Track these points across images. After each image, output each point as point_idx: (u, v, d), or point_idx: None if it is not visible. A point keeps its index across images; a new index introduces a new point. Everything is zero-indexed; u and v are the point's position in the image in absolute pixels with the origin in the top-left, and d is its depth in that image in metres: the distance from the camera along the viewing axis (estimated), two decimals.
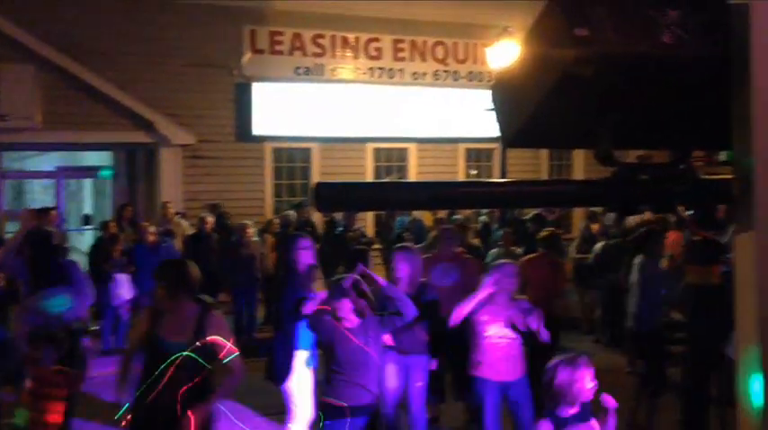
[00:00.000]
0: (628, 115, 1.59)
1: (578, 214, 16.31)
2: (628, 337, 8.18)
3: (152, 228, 10.34)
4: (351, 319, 4.98)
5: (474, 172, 17.48)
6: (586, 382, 3.87)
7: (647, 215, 11.58)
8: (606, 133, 1.54)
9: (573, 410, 3.88)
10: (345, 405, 4.89)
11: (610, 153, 1.57)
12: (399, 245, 7.27)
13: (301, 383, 5.89)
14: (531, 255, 8.24)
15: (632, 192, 1.59)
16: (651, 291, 7.41)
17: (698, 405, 6.32)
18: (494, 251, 10.04)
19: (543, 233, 8.50)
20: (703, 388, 6.49)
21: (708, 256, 6.14)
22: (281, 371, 5.84)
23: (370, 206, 2.42)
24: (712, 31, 1.46)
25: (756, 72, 1.37)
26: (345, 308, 4.96)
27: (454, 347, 6.62)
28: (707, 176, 1.73)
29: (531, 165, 17.35)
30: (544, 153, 17.53)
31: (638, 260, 7.58)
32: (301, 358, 5.86)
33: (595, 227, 11.58)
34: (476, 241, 11.39)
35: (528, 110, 1.57)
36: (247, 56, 14.98)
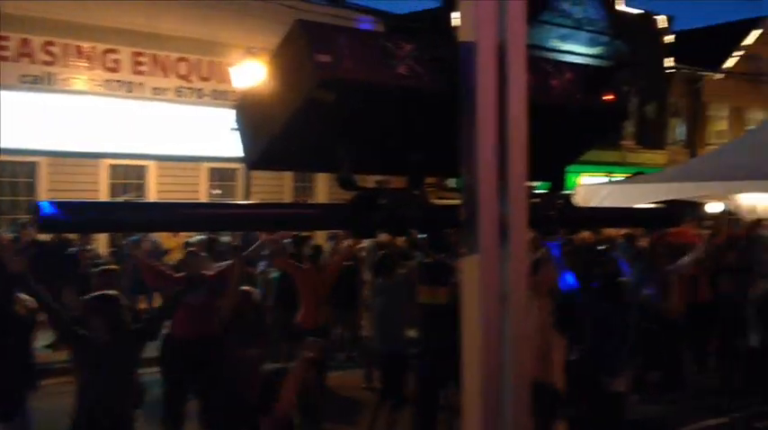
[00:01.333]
0: (367, 141, 1.64)
1: (320, 234, 16.67)
2: (367, 354, 8.52)
3: None
4: None
5: (217, 192, 17.24)
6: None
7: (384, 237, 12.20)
8: (347, 158, 1.58)
9: None
10: None
11: (350, 177, 1.61)
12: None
13: None
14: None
15: (371, 217, 1.64)
16: (389, 311, 7.77)
17: (428, 416, 6.72)
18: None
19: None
20: (433, 400, 6.91)
21: (437, 278, 6.68)
22: None
23: (99, 228, 2.27)
24: (443, 66, 1.56)
25: (481, 106, 1.48)
26: None
27: None
28: (438, 201, 1.84)
29: (275, 186, 17.49)
30: (288, 174, 17.73)
31: (378, 282, 7.95)
32: None
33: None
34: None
35: (271, 132, 1.57)
36: None
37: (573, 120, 1.84)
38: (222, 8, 15.94)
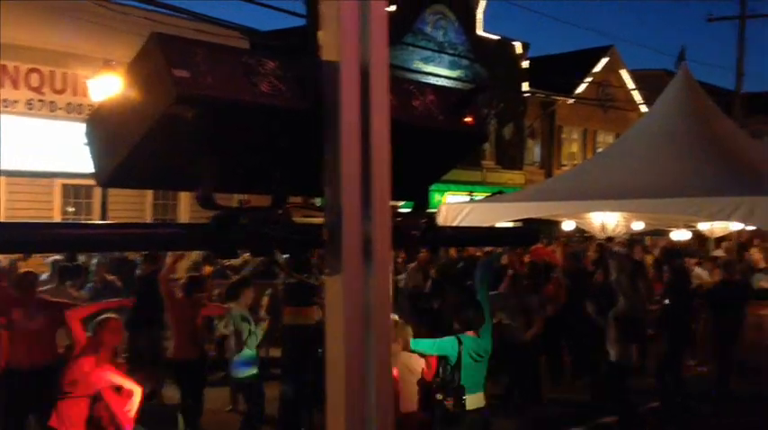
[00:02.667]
0: (228, 159, 1.60)
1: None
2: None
3: None
4: None
5: (71, 209, 16.45)
6: None
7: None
8: (207, 176, 1.53)
9: None
10: None
11: (211, 196, 1.56)
12: None
13: None
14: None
15: (233, 236, 1.60)
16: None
17: None
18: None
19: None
20: (296, 421, 6.88)
21: (302, 298, 6.68)
22: None
23: None
24: (306, 84, 1.54)
25: (344, 126, 1.48)
26: None
27: None
28: (304, 220, 1.82)
29: (136, 204, 16.89)
30: (149, 192, 17.16)
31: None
32: None
33: (209, 269, 11.75)
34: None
35: (126, 148, 1.50)
36: None
37: (435, 140, 1.87)
38: (78, 18, 15.28)
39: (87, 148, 1.63)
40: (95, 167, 1.62)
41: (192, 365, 8.12)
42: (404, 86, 1.78)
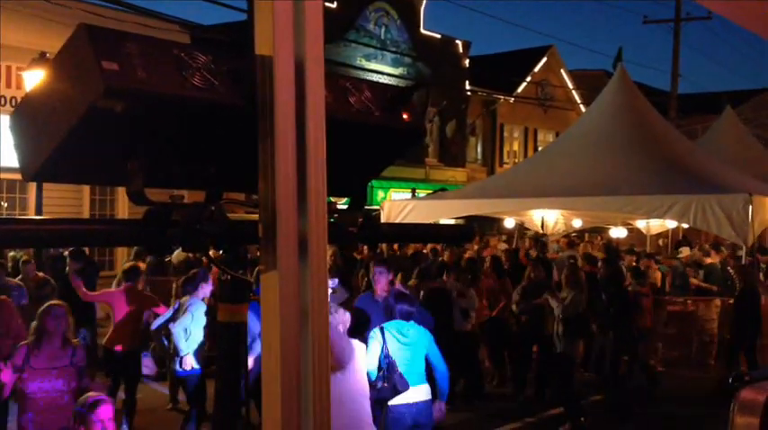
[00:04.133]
0: (161, 154, 1.57)
1: (122, 251, 15.94)
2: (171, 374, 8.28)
3: None
4: None
5: (4, 204, 16.00)
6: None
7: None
8: (138, 171, 1.50)
9: None
10: None
11: (142, 191, 1.53)
12: None
13: None
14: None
15: (165, 232, 1.57)
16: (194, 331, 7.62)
17: None
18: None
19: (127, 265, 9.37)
20: (234, 414, 6.82)
21: (237, 295, 6.59)
22: None
23: None
24: (240, 79, 1.53)
25: (278, 121, 1.47)
26: None
27: None
28: (241, 216, 1.80)
29: (72, 199, 16.51)
30: (86, 187, 16.79)
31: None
32: None
33: (142, 265, 11.58)
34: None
35: (53, 142, 1.46)
36: None
37: (371, 136, 1.87)
38: (14, 9, 14.84)
39: (12, 141, 1.59)
40: (21, 161, 1.57)
41: (125, 357, 8.08)
42: (339, 83, 1.78)
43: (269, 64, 1.46)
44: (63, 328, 5.70)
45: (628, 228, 17.68)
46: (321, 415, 1.64)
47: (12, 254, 12.52)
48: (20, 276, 10.44)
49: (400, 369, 5.96)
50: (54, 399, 5.45)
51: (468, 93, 30.17)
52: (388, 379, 5.91)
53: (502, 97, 31.94)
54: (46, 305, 5.94)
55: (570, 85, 35.68)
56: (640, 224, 16.76)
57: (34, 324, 5.82)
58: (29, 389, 5.46)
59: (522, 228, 19.34)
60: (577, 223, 16.46)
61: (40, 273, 10.54)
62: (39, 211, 13.97)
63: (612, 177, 12.03)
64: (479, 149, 32.74)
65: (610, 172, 12.26)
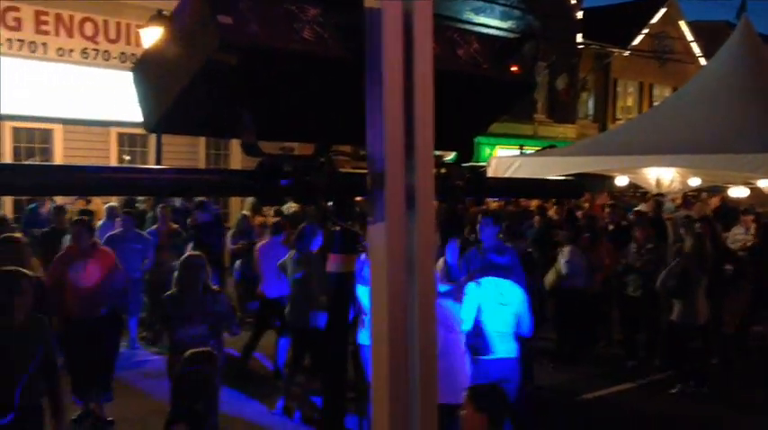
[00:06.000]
0: (272, 106, 1.61)
1: (236, 205, 16.47)
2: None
3: None
4: None
5: (127, 158, 16.78)
6: None
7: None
8: (251, 123, 1.55)
9: None
10: None
11: (255, 143, 1.58)
12: None
13: None
14: None
15: (276, 183, 1.62)
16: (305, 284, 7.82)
17: (337, 386, 6.79)
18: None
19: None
20: (341, 360, 7.00)
21: (346, 246, 6.69)
22: None
23: None
24: (349, 32, 1.54)
25: (387, 74, 1.47)
26: None
27: None
28: (349, 170, 1.83)
29: (189, 153, 17.12)
30: (202, 141, 17.39)
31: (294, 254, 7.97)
32: None
33: (259, 219, 11.96)
34: None
35: (171, 95, 1.53)
36: None
37: (480, 89, 1.85)
38: None
39: (136, 96, 1.66)
40: (143, 114, 1.65)
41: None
42: (447, 34, 1.76)
43: (377, 16, 1.47)
44: (202, 277, 6.01)
45: (749, 188, 16.84)
46: (428, 363, 1.67)
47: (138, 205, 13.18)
48: (155, 225, 10.94)
49: (492, 325, 5.98)
50: (198, 346, 5.73)
51: (581, 46, 29.23)
52: (478, 333, 5.95)
53: (616, 50, 30.79)
54: (185, 257, 6.29)
55: (689, 38, 33.98)
56: (762, 184, 15.93)
57: (176, 274, 6.15)
58: (177, 336, 5.79)
59: (635, 187, 18.75)
60: (694, 182, 15.77)
61: (173, 224, 11.03)
62: (158, 164, 14.59)
63: (734, 134, 11.45)
64: (591, 105, 31.78)
65: (731, 128, 11.68)
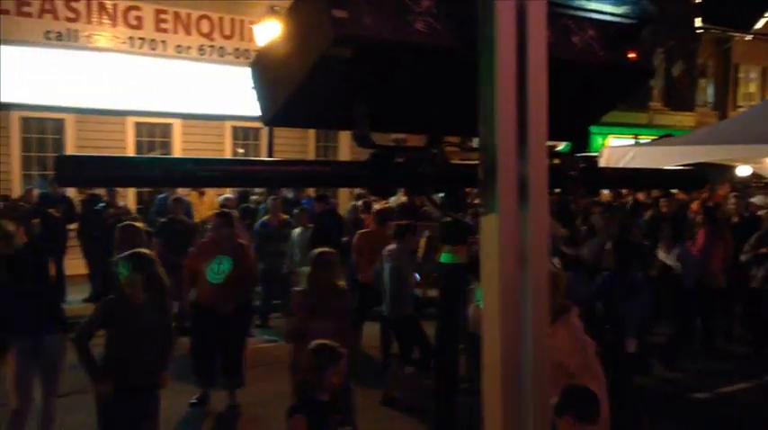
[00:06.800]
0: (385, 99, 1.62)
1: (344, 197, 16.70)
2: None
3: None
4: None
5: (241, 151, 17.28)
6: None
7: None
8: (363, 115, 1.57)
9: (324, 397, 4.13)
10: None
11: (367, 135, 1.59)
12: None
13: None
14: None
15: (388, 174, 1.63)
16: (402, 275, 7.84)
17: (449, 375, 6.79)
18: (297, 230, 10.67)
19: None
20: (453, 349, 7.01)
21: (457, 236, 6.68)
22: None
23: (117, 182, 2.28)
24: (462, 22, 1.53)
25: (500, 63, 1.46)
26: None
27: None
28: (459, 161, 1.82)
29: (299, 146, 17.48)
30: (311, 134, 17.72)
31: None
32: None
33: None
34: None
35: (287, 89, 1.56)
36: None
37: (595, 78, 1.80)
38: None
39: (254, 91, 1.71)
40: (260, 108, 1.70)
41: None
42: (562, 22, 1.72)
43: (490, 4, 1.45)
44: (335, 274, 6.09)
45: None
46: (540, 359, 1.64)
47: (254, 197, 13.60)
48: (267, 216, 11.26)
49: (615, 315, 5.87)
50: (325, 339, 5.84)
51: (699, 30, 28.01)
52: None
53: (737, 35, 29.33)
54: (318, 253, 6.25)
55: None
56: None
57: (307, 270, 6.26)
58: (308, 331, 5.88)
59: (758, 178, 17.86)
60: None
61: (284, 215, 11.31)
62: (269, 156, 14.97)
63: None
64: (710, 92, 30.42)
65: None
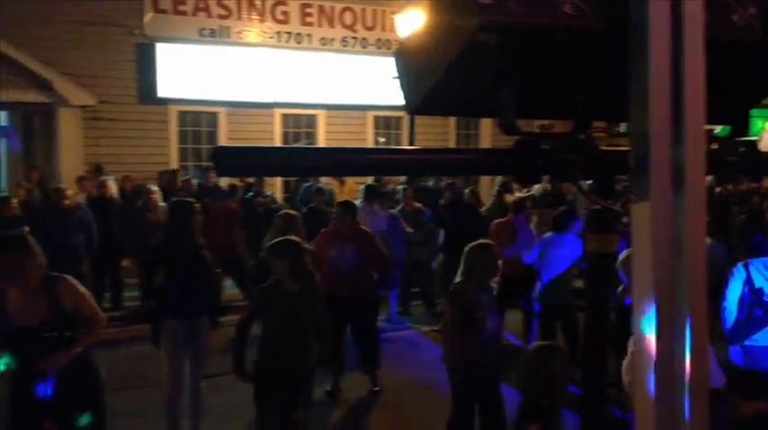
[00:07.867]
0: (530, 85, 1.59)
1: (485, 186, 16.59)
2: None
3: (69, 192, 10.19)
4: None
5: (382, 140, 17.52)
6: None
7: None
8: (509, 102, 1.54)
9: None
10: None
11: (512, 122, 1.57)
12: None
13: None
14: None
15: (534, 161, 1.60)
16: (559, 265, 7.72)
17: (597, 365, 6.61)
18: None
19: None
20: (601, 340, 6.81)
21: (606, 225, 6.46)
22: None
23: (270, 172, 2.35)
24: (611, 3, 1.48)
25: (653, 45, 1.40)
26: None
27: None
28: (607, 147, 1.77)
29: (440, 134, 17.53)
30: (452, 122, 17.70)
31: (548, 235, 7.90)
32: None
33: (510, 197, 11.99)
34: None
35: (432, 78, 1.56)
36: (149, 15, 14.52)
37: (756, 58, 1.69)
38: None
39: (398, 81, 1.72)
40: (405, 98, 1.71)
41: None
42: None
43: None
44: (492, 266, 6.02)
45: None
46: (699, 352, 1.57)
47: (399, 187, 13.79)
48: (400, 206, 11.41)
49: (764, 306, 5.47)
50: (493, 332, 5.86)
51: None
52: (749, 316, 5.46)
53: None
54: (480, 244, 6.17)
55: None
56: None
57: (469, 262, 6.16)
58: (471, 323, 5.85)
59: None
60: None
61: (417, 203, 11.42)
62: (410, 145, 15.09)
63: None
64: None
65: None
